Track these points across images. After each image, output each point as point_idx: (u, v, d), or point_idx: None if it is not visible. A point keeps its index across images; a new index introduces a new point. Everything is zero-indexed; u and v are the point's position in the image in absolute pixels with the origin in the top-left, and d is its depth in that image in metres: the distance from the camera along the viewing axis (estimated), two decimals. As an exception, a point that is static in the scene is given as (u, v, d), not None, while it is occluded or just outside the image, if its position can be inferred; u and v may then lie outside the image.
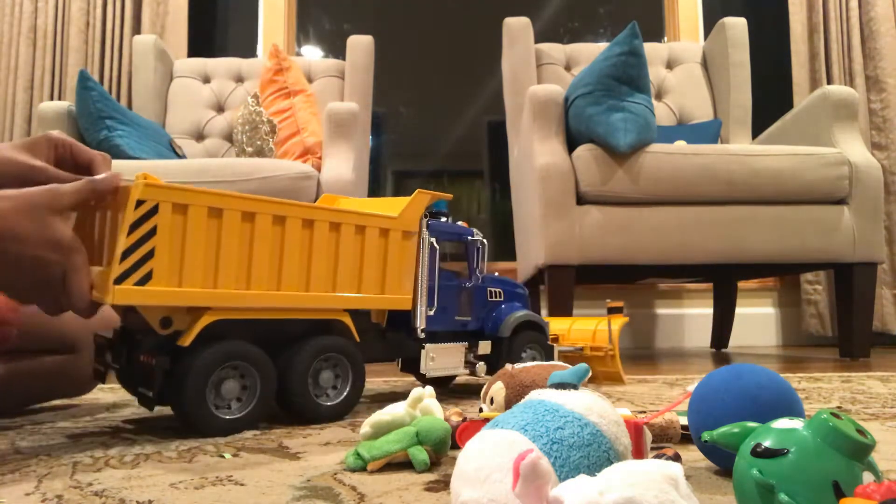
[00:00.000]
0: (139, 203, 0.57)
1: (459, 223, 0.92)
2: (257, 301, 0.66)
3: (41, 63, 2.36)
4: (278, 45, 2.22)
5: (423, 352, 0.84)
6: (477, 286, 0.93)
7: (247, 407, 0.65)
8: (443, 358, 0.87)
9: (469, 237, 0.92)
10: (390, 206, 0.83)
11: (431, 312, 0.85)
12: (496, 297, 0.97)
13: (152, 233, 0.58)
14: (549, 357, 1.02)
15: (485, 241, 0.95)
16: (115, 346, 0.69)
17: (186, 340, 0.61)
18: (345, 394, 0.74)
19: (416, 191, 0.83)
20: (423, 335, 0.84)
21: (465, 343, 0.90)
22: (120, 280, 0.57)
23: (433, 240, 0.85)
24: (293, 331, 0.72)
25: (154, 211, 0.58)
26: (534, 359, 0.99)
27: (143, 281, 0.58)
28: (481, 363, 0.91)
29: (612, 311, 1.13)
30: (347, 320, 0.75)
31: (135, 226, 0.57)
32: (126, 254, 0.57)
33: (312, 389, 0.71)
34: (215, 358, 0.63)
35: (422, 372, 0.85)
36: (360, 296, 0.75)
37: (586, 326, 1.17)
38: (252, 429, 0.66)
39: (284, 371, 0.69)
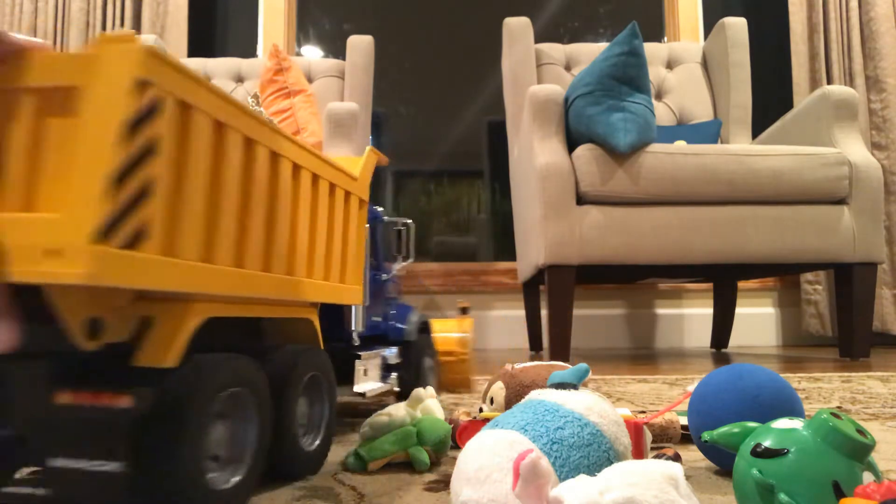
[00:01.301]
0: (140, 84, 0.31)
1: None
2: (252, 287, 0.42)
3: (41, 63, 2.36)
4: (278, 45, 2.22)
5: (357, 363, 0.63)
6: (385, 279, 0.76)
7: (240, 467, 0.39)
8: (372, 371, 0.67)
9: (385, 219, 0.77)
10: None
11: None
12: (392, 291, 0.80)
13: (150, 150, 0.32)
14: (437, 364, 0.87)
15: (411, 223, 0.80)
16: None
17: (168, 357, 0.35)
18: (321, 435, 0.50)
19: (368, 148, 0.64)
20: (358, 341, 0.66)
21: (380, 350, 0.71)
22: (106, 234, 0.29)
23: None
24: (264, 336, 0.52)
25: (154, 108, 0.32)
26: (430, 368, 0.84)
27: (133, 242, 0.31)
28: (393, 374, 0.73)
29: (463, 311, 1.02)
30: (315, 320, 0.54)
31: (132, 128, 0.31)
32: (114, 184, 0.30)
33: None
34: (216, 384, 0.37)
35: (356, 390, 0.63)
36: (329, 284, 0.54)
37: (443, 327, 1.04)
38: None
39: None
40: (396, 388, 0.73)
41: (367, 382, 0.65)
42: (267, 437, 0.42)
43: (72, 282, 0.28)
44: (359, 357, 0.64)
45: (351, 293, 0.58)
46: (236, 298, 0.42)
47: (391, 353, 0.73)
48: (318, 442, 0.49)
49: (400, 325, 0.77)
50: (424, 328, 0.85)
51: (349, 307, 0.63)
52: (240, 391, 0.39)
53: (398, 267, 0.81)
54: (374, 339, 0.75)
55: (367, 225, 0.69)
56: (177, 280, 0.34)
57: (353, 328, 0.65)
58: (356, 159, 0.63)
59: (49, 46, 0.34)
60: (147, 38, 2.21)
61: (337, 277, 0.56)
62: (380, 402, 0.84)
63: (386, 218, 0.77)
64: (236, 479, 0.38)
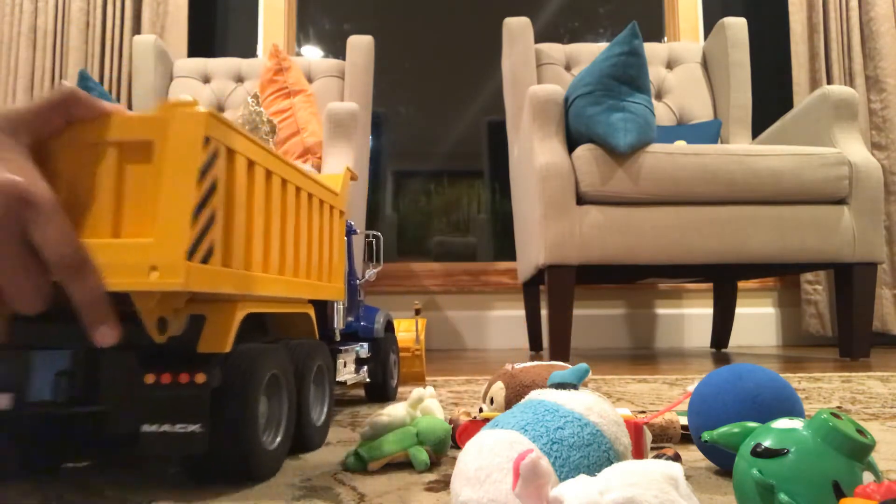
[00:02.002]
0: (206, 141, 0.41)
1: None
2: (275, 288, 0.52)
3: (41, 63, 2.36)
4: (278, 45, 2.22)
5: (339, 356, 0.73)
6: (357, 284, 0.88)
7: (276, 436, 0.50)
8: (350, 363, 0.78)
9: (357, 231, 0.88)
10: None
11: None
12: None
13: (214, 188, 0.41)
14: (397, 360, 0.97)
15: (380, 235, 0.95)
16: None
17: (225, 344, 0.44)
18: (325, 412, 0.61)
19: (346, 168, 0.75)
20: (339, 337, 0.75)
21: (355, 345, 0.81)
22: (191, 253, 0.39)
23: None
24: (268, 330, 0.60)
25: (215, 156, 0.42)
26: (394, 363, 0.95)
27: (207, 257, 0.41)
28: (364, 367, 0.84)
29: (416, 312, 1.16)
30: (313, 315, 0.62)
31: (202, 173, 0.40)
32: (194, 216, 0.39)
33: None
34: (264, 367, 0.47)
35: (339, 379, 0.73)
36: (322, 283, 0.63)
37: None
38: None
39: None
40: (367, 379, 0.85)
41: (346, 373, 0.76)
42: (294, 412, 0.52)
43: (171, 289, 0.38)
44: (340, 351, 0.73)
45: (337, 290, 0.69)
46: (265, 298, 0.51)
47: (362, 348, 0.83)
48: (323, 418, 0.60)
49: (369, 325, 0.87)
50: (389, 327, 0.95)
51: (333, 308, 0.74)
52: (277, 374, 0.50)
53: (370, 273, 0.91)
54: (348, 336, 0.84)
55: (347, 237, 0.80)
56: (232, 284, 0.44)
57: (335, 326, 0.74)
58: (336, 176, 0.74)
59: (124, 108, 0.43)
60: (147, 38, 2.21)
61: (326, 278, 0.66)
62: (352, 390, 0.98)
63: (358, 231, 0.88)
64: (277, 441, 0.49)
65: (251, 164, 0.47)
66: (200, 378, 0.42)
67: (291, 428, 0.51)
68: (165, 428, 0.41)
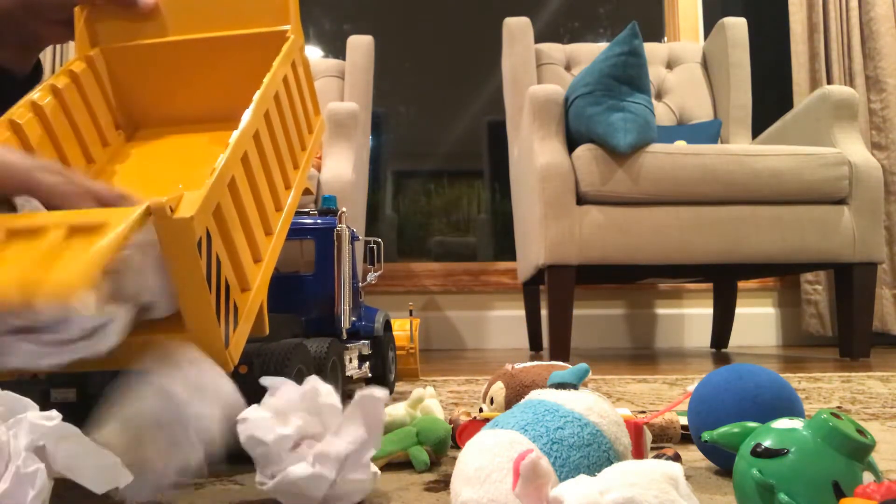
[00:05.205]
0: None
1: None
2: (274, 255, 0.54)
3: (41, 63, 2.36)
4: None
5: (345, 353, 0.78)
6: (360, 287, 0.92)
7: None
8: (354, 359, 0.82)
9: (359, 238, 0.93)
10: None
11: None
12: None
13: (219, 263, 0.42)
14: (395, 357, 1.03)
15: (380, 241, 1.00)
16: None
17: (264, 328, 0.50)
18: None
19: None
20: (345, 336, 0.80)
21: (358, 343, 0.86)
22: (227, 341, 0.42)
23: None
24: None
25: (210, 239, 0.41)
26: (392, 359, 1.00)
27: (236, 320, 0.44)
28: (366, 363, 0.88)
29: (410, 313, 1.23)
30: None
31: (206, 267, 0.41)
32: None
33: None
34: (294, 361, 0.54)
35: (346, 374, 0.78)
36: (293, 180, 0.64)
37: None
38: None
39: None
40: (369, 374, 0.89)
41: (352, 369, 0.80)
42: None
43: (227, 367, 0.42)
44: (347, 348, 0.78)
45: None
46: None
47: (365, 345, 0.88)
48: None
49: (370, 324, 0.91)
50: (388, 326, 1.00)
51: (341, 310, 0.79)
52: (302, 368, 0.56)
53: (371, 277, 0.96)
54: (351, 334, 0.87)
55: (350, 244, 0.85)
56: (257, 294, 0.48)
57: (342, 325, 0.79)
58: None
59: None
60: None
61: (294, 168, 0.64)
62: (355, 383, 1.01)
63: (360, 237, 0.93)
64: None
65: (231, 180, 0.45)
66: (243, 369, 0.49)
67: None
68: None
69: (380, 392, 0.38)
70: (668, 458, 0.44)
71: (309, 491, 0.36)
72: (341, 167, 1.73)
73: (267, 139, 0.52)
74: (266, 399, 0.39)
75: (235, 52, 0.59)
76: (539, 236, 1.59)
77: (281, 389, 0.39)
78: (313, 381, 0.40)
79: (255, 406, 0.38)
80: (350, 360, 0.79)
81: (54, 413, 0.32)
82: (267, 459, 0.37)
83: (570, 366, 0.44)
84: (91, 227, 0.37)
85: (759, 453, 0.33)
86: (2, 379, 0.44)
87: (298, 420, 0.38)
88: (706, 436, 0.38)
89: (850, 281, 1.62)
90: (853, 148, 1.66)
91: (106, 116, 0.61)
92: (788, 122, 1.88)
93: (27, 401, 0.34)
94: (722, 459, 0.47)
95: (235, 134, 0.46)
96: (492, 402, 0.61)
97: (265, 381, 0.39)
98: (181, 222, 0.37)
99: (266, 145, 0.51)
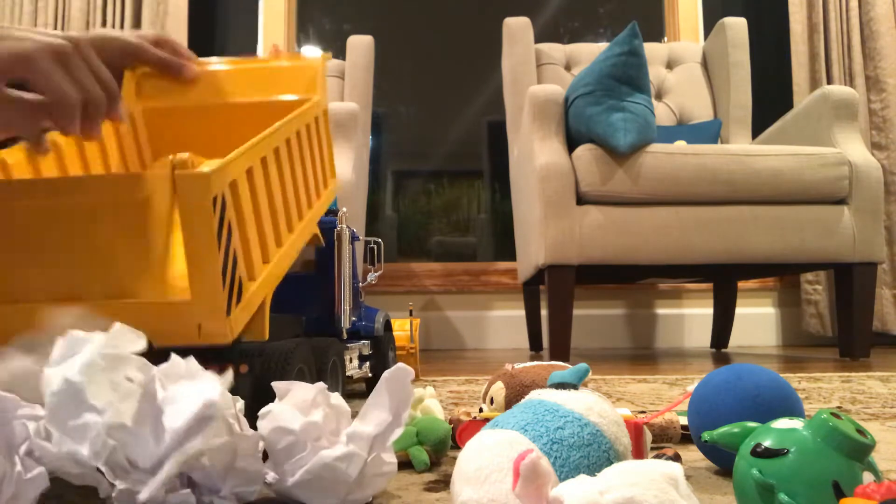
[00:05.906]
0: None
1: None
2: (287, 259, 0.58)
3: (41, 63, 2.36)
4: (278, 45, 2.21)
5: (346, 353, 0.78)
6: (360, 287, 0.93)
7: None
8: (355, 359, 0.83)
9: (360, 238, 0.94)
10: None
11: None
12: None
13: (230, 232, 0.45)
14: (395, 357, 1.04)
15: (380, 241, 1.01)
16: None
17: (265, 332, 0.53)
18: None
19: (322, 55, 0.75)
20: (346, 336, 0.81)
21: (359, 343, 0.87)
22: (228, 307, 0.44)
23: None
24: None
25: (224, 204, 0.44)
26: (392, 359, 1.00)
27: (239, 295, 0.46)
28: (366, 363, 0.89)
29: (410, 313, 1.24)
30: (318, 233, 0.69)
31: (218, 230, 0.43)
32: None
33: None
34: (295, 360, 0.55)
35: (347, 373, 0.79)
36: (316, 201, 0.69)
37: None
38: None
39: None
40: (369, 374, 0.90)
41: (352, 369, 0.81)
42: None
43: (218, 342, 0.45)
44: (347, 348, 0.79)
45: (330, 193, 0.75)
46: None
47: (365, 345, 0.89)
48: None
49: (370, 324, 0.92)
50: (388, 326, 1.00)
51: (342, 310, 0.80)
52: (303, 368, 0.57)
53: (371, 277, 0.97)
54: (351, 334, 0.88)
55: (351, 244, 0.86)
56: (262, 293, 0.51)
57: (342, 325, 0.79)
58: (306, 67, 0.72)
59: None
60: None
61: (319, 188, 0.71)
62: (355, 383, 1.01)
63: (360, 238, 0.94)
64: None
65: (249, 169, 0.48)
66: (244, 369, 0.49)
67: None
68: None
69: (407, 368, 0.39)
70: (668, 458, 0.44)
71: (342, 475, 0.36)
72: (341, 167, 1.73)
73: (277, 166, 0.55)
74: (277, 402, 0.39)
75: (263, 116, 0.65)
76: (539, 236, 1.59)
77: (293, 391, 0.39)
78: (322, 385, 0.41)
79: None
80: (350, 360, 0.80)
81: None
82: (292, 450, 0.37)
83: (570, 366, 0.44)
84: (136, 204, 0.43)
85: (759, 453, 0.33)
86: None
87: (319, 413, 0.38)
88: (706, 436, 0.38)
89: (850, 281, 1.62)
90: (853, 148, 1.66)
91: (135, 165, 0.67)
92: (788, 122, 1.88)
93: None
94: (722, 459, 0.47)
95: (254, 139, 0.49)
96: (492, 402, 0.60)
97: (277, 385, 0.40)
98: (200, 176, 0.41)
99: (279, 171, 0.56)
